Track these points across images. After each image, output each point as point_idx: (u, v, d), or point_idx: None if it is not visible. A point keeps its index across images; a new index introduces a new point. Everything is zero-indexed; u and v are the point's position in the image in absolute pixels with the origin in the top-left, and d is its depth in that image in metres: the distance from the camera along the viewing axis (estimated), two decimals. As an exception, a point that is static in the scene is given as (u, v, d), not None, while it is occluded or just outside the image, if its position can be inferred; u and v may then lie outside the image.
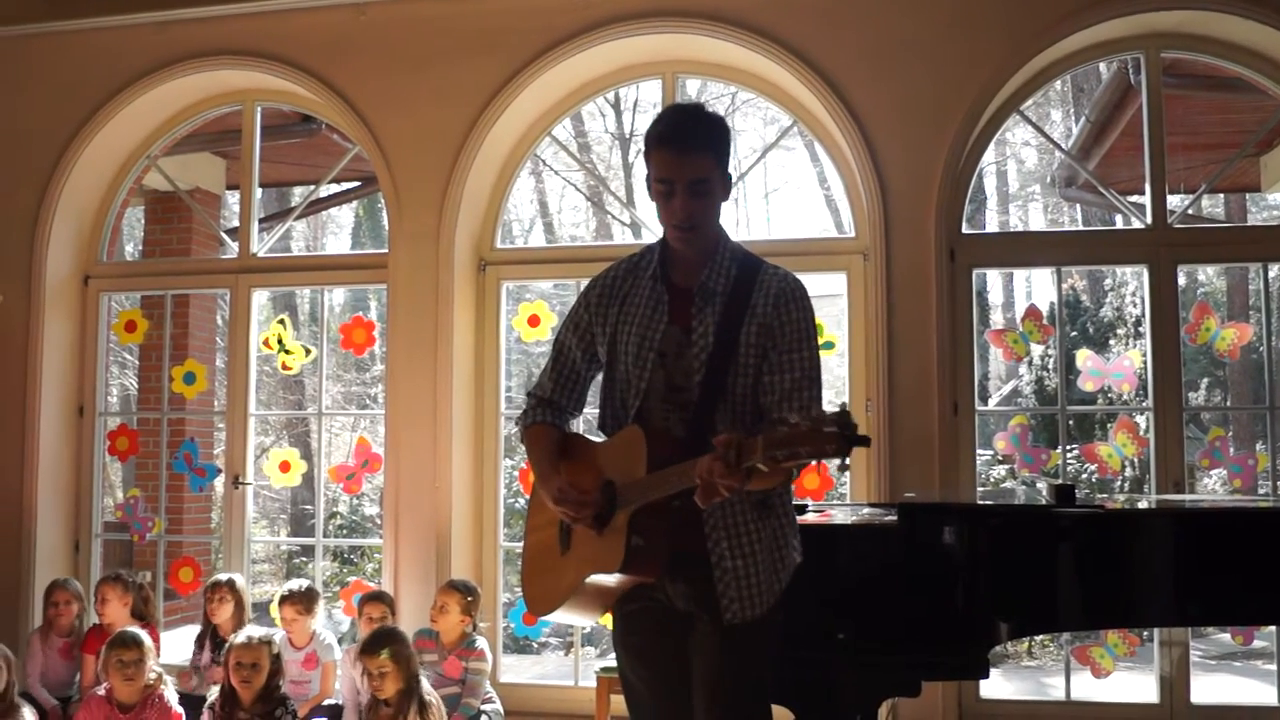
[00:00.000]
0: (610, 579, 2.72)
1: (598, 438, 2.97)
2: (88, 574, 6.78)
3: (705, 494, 2.43)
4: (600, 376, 3.05)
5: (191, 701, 5.28)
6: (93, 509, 6.97)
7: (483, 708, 5.50)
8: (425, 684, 5.00)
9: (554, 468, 2.88)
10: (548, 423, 3.02)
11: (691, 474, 2.46)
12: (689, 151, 2.78)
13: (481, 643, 5.63)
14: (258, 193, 7.02)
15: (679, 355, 2.82)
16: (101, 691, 4.94)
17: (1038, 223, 18.43)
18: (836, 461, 2.25)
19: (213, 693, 4.99)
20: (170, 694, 4.97)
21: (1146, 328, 5.95)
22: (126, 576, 6.02)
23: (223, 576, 6.03)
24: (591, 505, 2.72)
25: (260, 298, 7.00)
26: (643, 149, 2.91)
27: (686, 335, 2.83)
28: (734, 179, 2.97)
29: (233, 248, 7.04)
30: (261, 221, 7.69)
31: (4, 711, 4.76)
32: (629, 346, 2.87)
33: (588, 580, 2.73)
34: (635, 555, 2.64)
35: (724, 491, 2.39)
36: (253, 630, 5.01)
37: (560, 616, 2.89)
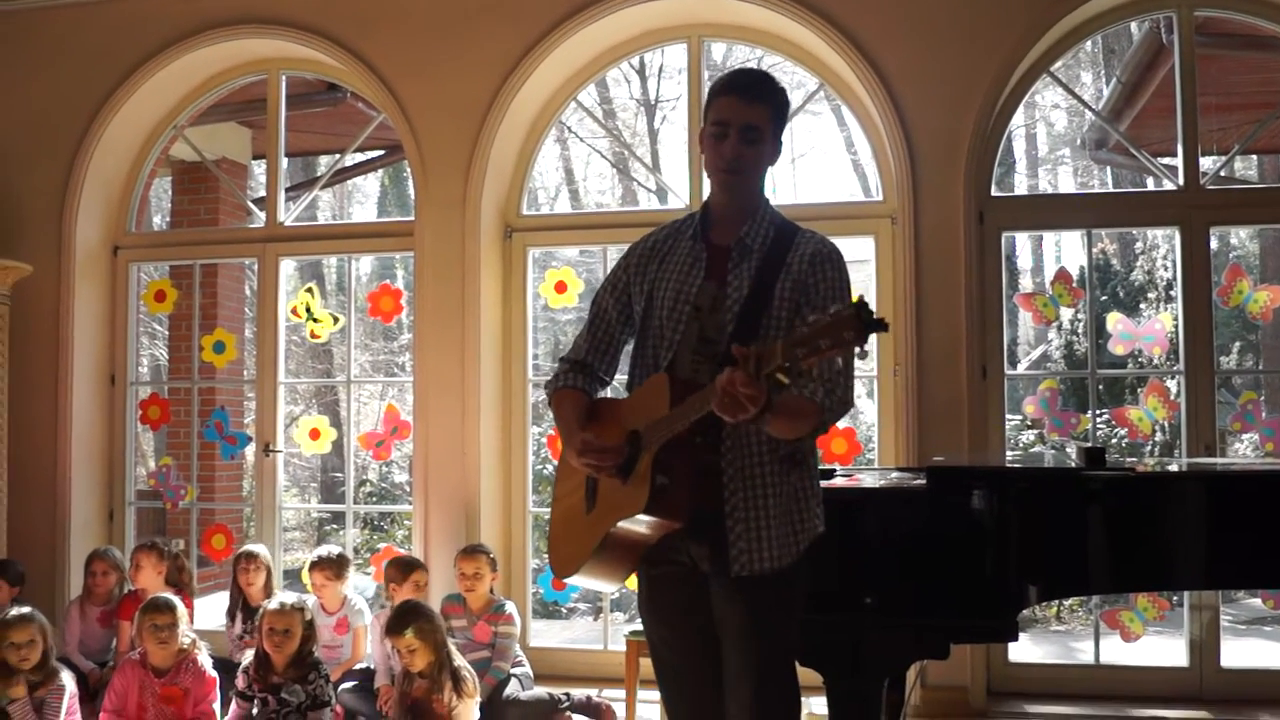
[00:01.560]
0: (637, 526, 2.70)
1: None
2: (122, 542, 6.86)
3: (726, 406, 2.39)
4: (632, 344, 3.05)
5: (227, 666, 5.34)
6: (126, 477, 7.04)
7: (513, 671, 5.53)
8: (457, 655, 5.04)
9: (580, 426, 2.88)
10: (576, 387, 3.03)
11: (711, 396, 2.44)
12: (751, 99, 2.87)
13: (510, 607, 5.66)
14: (284, 162, 7.03)
15: (713, 309, 2.84)
16: (136, 656, 5.01)
17: (1067, 186, 18.26)
18: (856, 353, 2.25)
19: (247, 656, 5.05)
20: (204, 658, 5.03)
21: (1178, 290, 5.91)
22: (161, 544, 6.09)
23: (252, 548, 6.08)
24: (615, 453, 2.73)
25: (288, 267, 7.02)
26: (705, 101, 2.99)
27: (722, 289, 2.85)
28: (780, 153, 2.98)
29: (260, 217, 7.06)
30: (288, 191, 7.71)
31: (44, 678, 4.82)
32: (665, 300, 2.89)
33: (614, 530, 2.71)
34: (660, 495, 2.62)
35: (746, 404, 2.36)
36: (285, 596, 5.07)
37: (585, 578, 2.87)
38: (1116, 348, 6.12)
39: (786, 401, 2.50)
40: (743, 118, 2.85)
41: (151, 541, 6.11)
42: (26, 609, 4.92)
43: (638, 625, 5.15)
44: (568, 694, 5.53)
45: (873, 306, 2.24)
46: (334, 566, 5.92)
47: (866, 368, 6.12)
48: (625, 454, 2.72)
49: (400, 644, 4.90)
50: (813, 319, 2.25)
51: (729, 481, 2.76)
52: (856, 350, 2.22)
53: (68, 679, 4.92)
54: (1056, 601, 8.66)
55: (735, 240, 2.88)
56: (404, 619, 4.94)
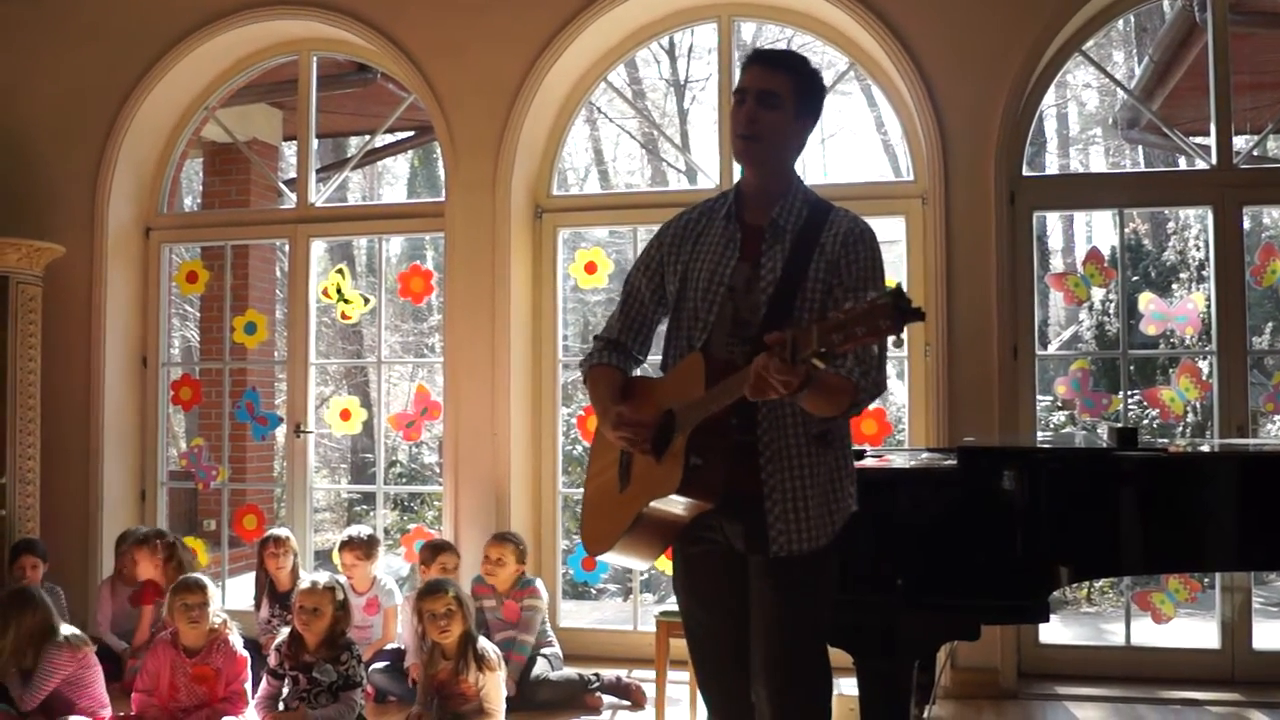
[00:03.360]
0: (670, 505, 2.71)
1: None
2: (154, 522, 6.90)
3: (758, 390, 2.39)
4: (665, 324, 3.05)
5: (256, 648, 5.38)
6: (157, 458, 7.08)
7: (543, 652, 5.55)
8: (481, 638, 5.07)
9: (614, 402, 2.89)
10: (610, 365, 3.04)
11: (746, 379, 2.44)
12: (772, 67, 2.89)
13: (537, 582, 5.68)
14: (314, 143, 7.05)
15: (748, 290, 2.84)
16: (168, 636, 5.05)
17: (1099, 166, 18.10)
18: (890, 340, 2.27)
19: (282, 634, 5.09)
20: (235, 638, 5.07)
21: (1210, 270, 5.86)
22: (154, 535, 6.07)
23: (279, 531, 6.11)
24: (650, 428, 2.74)
25: (318, 248, 7.03)
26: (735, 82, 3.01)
27: (756, 270, 2.85)
28: (811, 129, 2.97)
29: (291, 198, 7.09)
30: (318, 172, 7.72)
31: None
32: (699, 281, 2.90)
33: (647, 509, 2.72)
34: (693, 475, 2.63)
35: (779, 387, 2.36)
36: (318, 576, 5.10)
37: (618, 556, 2.88)
38: (1148, 328, 6.08)
39: (824, 378, 2.50)
40: (761, 83, 2.86)
41: (143, 535, 6.08)
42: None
43: (668, 606, 5.18)
44: (597, 674, 5.55)
45: (907, 292, 2.23)
46: (364, 547, 5.96)
47: (897, 348, 6.09)
48: (660, 432, 2.73)
49: (439, 605, 4.91)
50: (849, 305, 2.25)
51: (766, 463, 2.76)
52: (891, 338, 2.23)
53: (62, 649, 4.84)
54: (1087, 583, 8.64)
55: (769, 221, 2.88)
56: (442, 582, 5.06)
